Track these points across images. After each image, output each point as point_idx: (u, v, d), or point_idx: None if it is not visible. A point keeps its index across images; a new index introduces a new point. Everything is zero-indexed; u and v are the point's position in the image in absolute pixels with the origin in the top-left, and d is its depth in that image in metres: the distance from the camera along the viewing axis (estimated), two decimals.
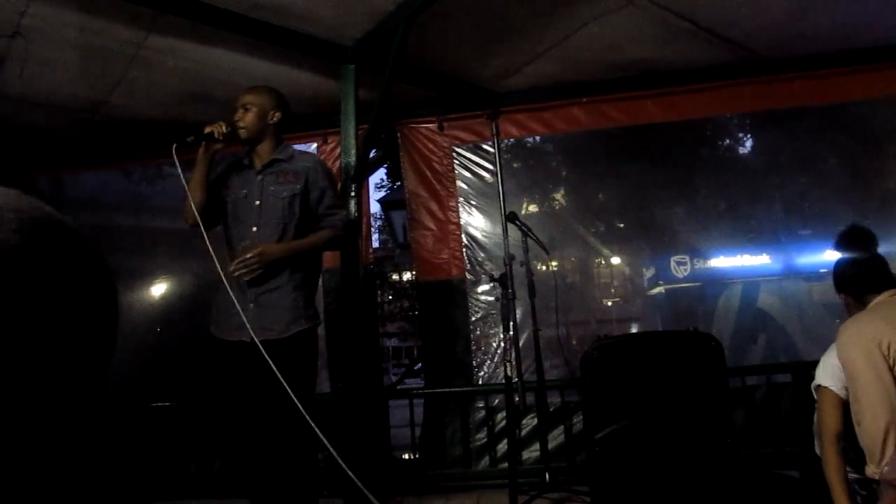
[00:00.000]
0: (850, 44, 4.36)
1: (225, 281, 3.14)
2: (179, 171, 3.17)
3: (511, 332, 3.21)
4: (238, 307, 3.11)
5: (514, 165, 5.74)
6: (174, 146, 3.15)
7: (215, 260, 3.13)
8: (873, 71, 4.44)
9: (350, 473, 2.78)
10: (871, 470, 2.27)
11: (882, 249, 2.74)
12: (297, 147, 3.66)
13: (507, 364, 3.20)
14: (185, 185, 3.23)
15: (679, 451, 3.01)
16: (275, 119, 3.39)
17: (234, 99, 3.44)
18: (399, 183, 9.48)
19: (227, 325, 3.25)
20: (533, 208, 6.59)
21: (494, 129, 3.36)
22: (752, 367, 4.85)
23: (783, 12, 4.03)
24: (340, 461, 2.87)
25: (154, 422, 4.80)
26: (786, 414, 4.37)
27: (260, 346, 2.99)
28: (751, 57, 4.46)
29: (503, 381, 4.42)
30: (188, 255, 7.02)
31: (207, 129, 3.24)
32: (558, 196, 7.22)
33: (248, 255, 3.15)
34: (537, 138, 5.66)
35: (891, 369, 2.22)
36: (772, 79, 4.51)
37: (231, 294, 3.13)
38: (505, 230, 3.52)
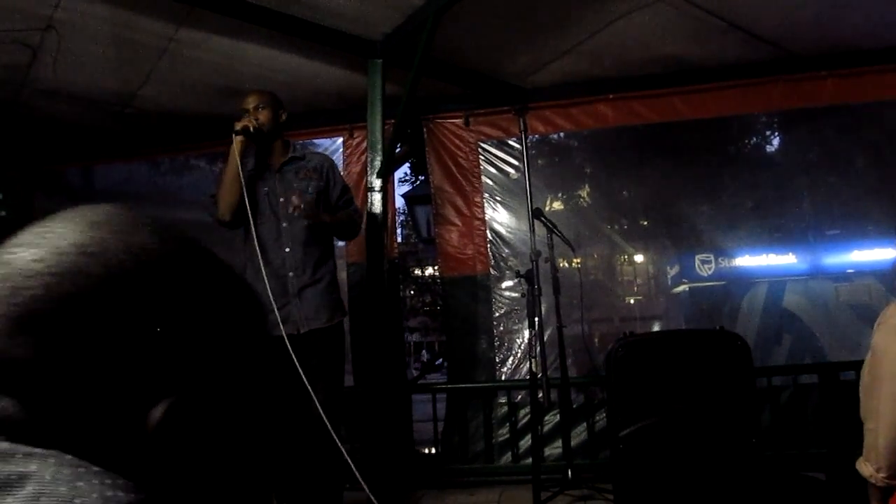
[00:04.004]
0: (885, 42, 4.29)
1: (265, 277, 3.17)
2: (237, 155, 3.23)
3: (536, 329, 3.20)
4: (273, 303, 3.15)
5: (539, 162, 5.73)
6: (237, 135, 3.24)
7: (258, 253, 3.17)
8: None
9: (354, 469, 2.82)
10: (867, 471, 2.17)
11: None
12: (322, 143, 3.70)
13: (532, 360, 3.20)
14: (228, 177, 3.29)
15: (704, 451, 3.00)
16: (283, 118, 3.46)
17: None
18: (423, 177, 9.49)
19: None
20: (557, 205, 6.57)
21: (522, 125, 3.36)
22: (778, 368, 4.81)
23: (816, 9, 3.98)
24: (346, 455, 2.90)
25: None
26: (812, 415, 4.34)
27: (284, 341, 3.02)
28: (782, 55, 4.41)
29: (526, 376, 4.42)
30: (215, 249, 7.06)
31: (241, 125, 3.28)
32: (583, 193, 7.20)
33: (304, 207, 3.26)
34: (562, 135, 5.64)
35: None
36: (804, 76, 4.46)
37: (269, 290, 3.16)
38: (532, 226, 3.52)
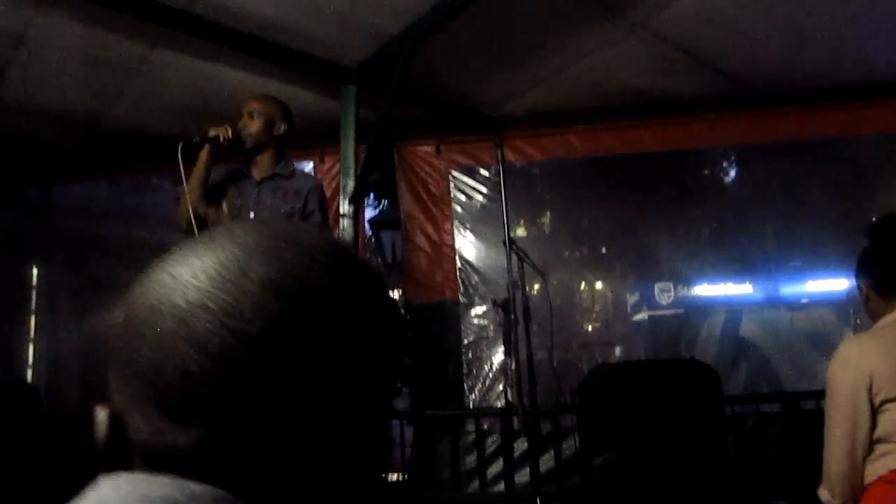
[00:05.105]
0: (844, 80, 4.44)
1: None
2: (182, 169, 3.07)
3: (513, 357, 3.22)
4: None
5: (497, 190, 5.78)
6: (180, 144, 3.06)
7: None
8: (864, 108, 4.52)
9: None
10: (825, 496, 2.22)
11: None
12: (297, 165, 3.63)
13: (509, 388, 3.21)
14: (184, 184, 3.10)
15: (675, 479, 3.03)
16: (281, 131, 3.30)
17: (233, 115, 3.40)
18: (387, 201, 9.47)
19: None
20: (521, 231, 6.64)
21: (500, 156, 3.40)
22: (743, 397, 4.91)
23: (779, 47, 4.11)
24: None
25: None
26: (774, 443, 4.41)
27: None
28: (745, 90, 4.54)
29: (495, 403, 4.43)
30: None
31: (213, 133, 3.14)
32: (545, 220, 7.28)
33: None
34: (525, 163, 5.71)
35: (873, 412, 2.10)
36: (766, 112, 4.59)
37: None
38: (508, 255, 3.55)
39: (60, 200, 6.46)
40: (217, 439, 0.51)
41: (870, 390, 2.10)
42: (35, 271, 7.23)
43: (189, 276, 0.54)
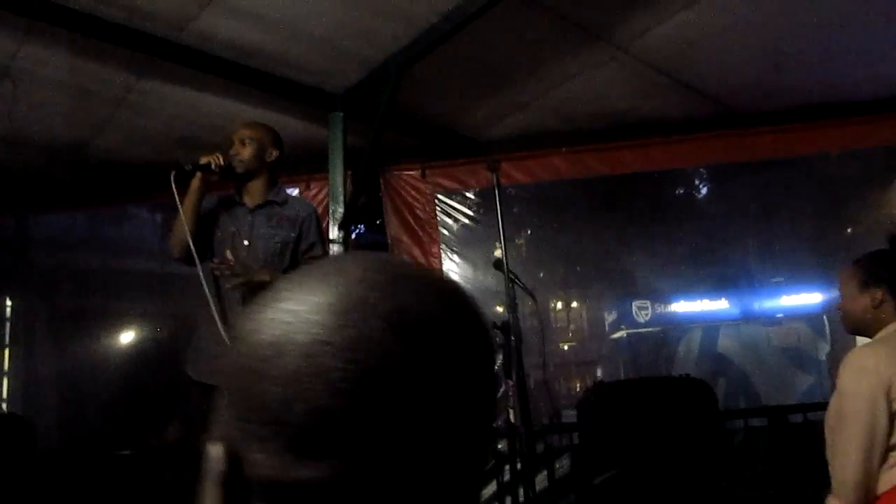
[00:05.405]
0: (818, 100, 4.56)
1: (217, 318, 3.06)
2: (177, 199, 3.09)
3: (514, 379, 3.23)
4: (213, 351, 3.04)
5: (481, 211, 5.82)
6: (172, 173, 3.06)
7: (207, 292, 3.05)
8: (836, 126, 4.63)
9: None
10: None
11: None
12: (289, 191, 3.63)
13: (511, 410, 3.23)
14: (181, 213, 3.11)
15: (675, 496, 3.06)
16: (272, 157, 3.31)
17: (217, 143, 3.39)
18: (363, 226, 9.46)
19: (205, 366, 3.13)
20: (497, 253, 6.68)
21: (496, 180, 3.45)
22: (732, 412, 4.96)
23: (758, 69, 4.21)
24: None
25: (124, 470, 4.67)
26: (763, 457, 4.47)
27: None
28: (724, 111, 4.64)
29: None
30: (158, 297, 6.91)
31: (204, 160, 3.14)
32: (521, 241, 7.33)
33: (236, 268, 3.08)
34: (510, 185, 5.75)
35: (890, 420, 2.14)
36: (745, 132, 4.68)
37: (223, 332, 3.04)
38: (507, 277, 3.57)
39: (36, 232, 6.40)
40: (346, 473, 0.52)
41: (888, 397, 2.14)
42: (9, 303, 7.12)
43: (309, 312, 0.55)
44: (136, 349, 7.09)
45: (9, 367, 6.57)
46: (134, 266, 6.83)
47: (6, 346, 6.81)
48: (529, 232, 7.28)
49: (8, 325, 6.93)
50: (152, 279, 6.65)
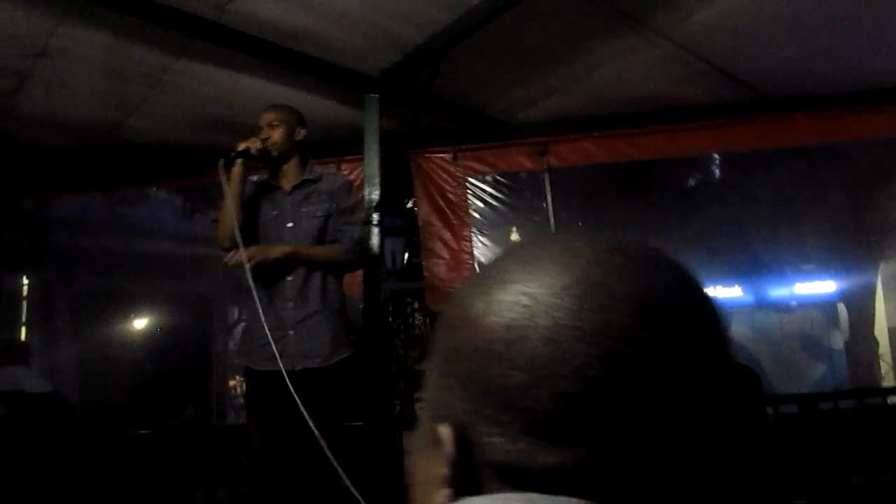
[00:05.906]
0: (855, 86, 4.53)
1: (259, 308, 3.07)
2: (226, 186, 3.12)
3: None
4: (269, 335, 3.05)
5: (503, 193, 5.81)
6: (221, 161, 3.10)
7: (251, 285, 3.05)
8: (873, 113, 4.61)
9: None
10: None
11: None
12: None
13: None
14: (227, 203, 3.15)
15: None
16: (301, 136, 3.34)
17: (251, 125, 3.37)
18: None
19: (260, 355, 3.17)
20: (514, 237, 6.67)
21: (545, 164, 3.42)
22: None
23: (792, 54, 4.19)
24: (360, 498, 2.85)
25: (153, 448, 4.68)
26: (793, 443, 4.49)
27: (286, 378, 2.93)
28: (758, 96, 4.61)
29: None
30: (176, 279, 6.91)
31: (243, 146, 3.16)
32: (541, 228, 7.31)
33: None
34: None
35: None
36: (779, 118, 4.66)
37: (264, 322, 3.05)
38: None
39: (56, 213, 6.38)
40: (589, 461, 0.51)
41: None
42: (26, 282, 7.12)
43: (549, 295, 0.54)
44: (153, 330, 7.10)
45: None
46: (152, 248, 6.84)
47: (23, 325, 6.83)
48: (549, 217, 7.27)
49: (25, 303, 6.94)
50: (170, 261, 6.67)
